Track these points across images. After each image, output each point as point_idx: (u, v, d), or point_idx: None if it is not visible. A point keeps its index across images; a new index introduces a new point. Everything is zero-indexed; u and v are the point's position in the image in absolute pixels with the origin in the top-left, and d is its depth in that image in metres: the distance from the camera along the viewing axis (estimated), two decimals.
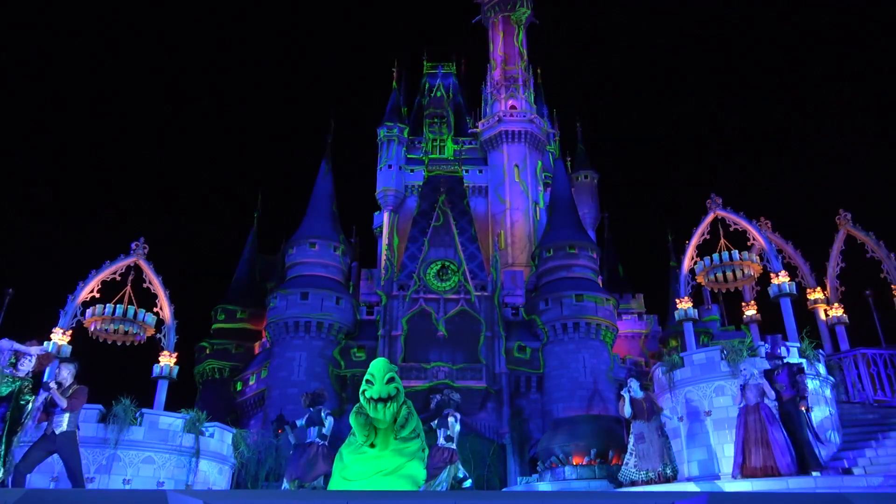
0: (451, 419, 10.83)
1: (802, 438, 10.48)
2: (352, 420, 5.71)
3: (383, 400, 5.46)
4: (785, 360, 11.14)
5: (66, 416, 8.48)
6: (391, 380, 5.56)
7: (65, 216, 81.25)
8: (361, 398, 5.58)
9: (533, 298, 34.99)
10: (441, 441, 10.64)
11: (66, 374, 8.64)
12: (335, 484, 5.80)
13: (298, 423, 11.19)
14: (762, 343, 13.49)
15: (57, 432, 8.40)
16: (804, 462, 10.43)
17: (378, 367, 5.69)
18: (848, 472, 11.02)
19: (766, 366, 12.52)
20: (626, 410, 12.27)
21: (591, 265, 35.90)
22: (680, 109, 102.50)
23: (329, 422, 11.15)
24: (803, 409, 10.67)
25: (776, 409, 11.13)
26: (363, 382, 5.68)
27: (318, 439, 11.03)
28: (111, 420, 13.39)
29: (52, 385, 8.49)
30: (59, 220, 77.75)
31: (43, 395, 8.47)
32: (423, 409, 34.00)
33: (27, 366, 8.33)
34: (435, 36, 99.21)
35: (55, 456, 8.92)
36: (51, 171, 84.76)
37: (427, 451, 6.09)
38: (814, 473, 10.18)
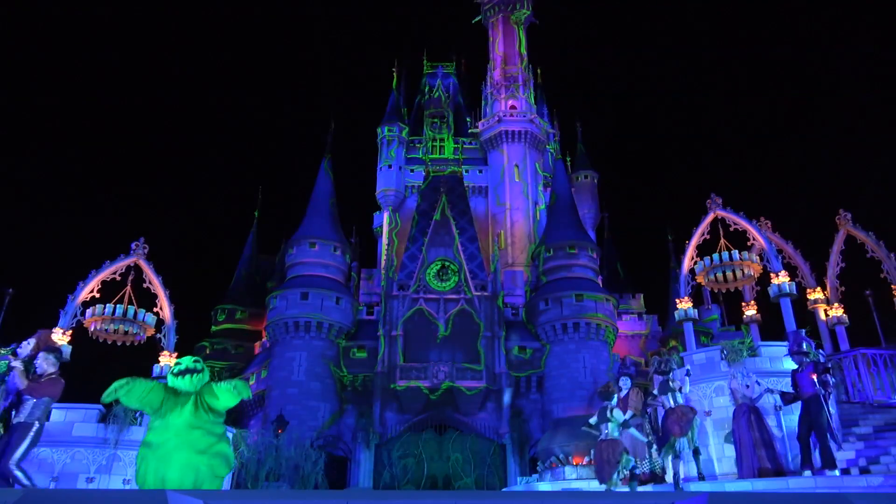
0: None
1: (821, 437, 10.45)
2: (152, 395, 6.21)
3: (190, 371, 6.24)
4: (811, 358, 11.06)
5: (30, 404, 7.73)
6: (196, 362, 6.36)
7: (65, 216, 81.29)
8: (169, 377, 6.29)
9: (533, 298, 35.00)
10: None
11: (45, 363, 7.93)
12: (149, 465, 6.00)
13: (592, 420, 11.20)
14: (761, 343, 13.52)
15: (14, 422, 7.69)
16: (825, 460, 10.38)
17: (186, 358, 6.46)
18: (865, 471, 10.98)
19: (767, 366, 12.55)
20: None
21: (591, 265, 35.90)
22: (680, 109, 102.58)
23: (617, 415, 10.91)
24: (826, 403, 10.66)
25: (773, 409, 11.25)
26: (174, 367, 6.37)
27: (612, 434, 10.79)
28: (111, 420, 13.40)
29: (17, 364, 7.85)
30: (60, 221, 77.77)
31: (13, 375, 7.86)
32: (422, 409, 33.81)
33: (26, 349, 8.15)
34: (435, 36, 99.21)
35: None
36: (51, 171, 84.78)
37: (230, 438, 6.78)
38: (832, 472, 10.14)
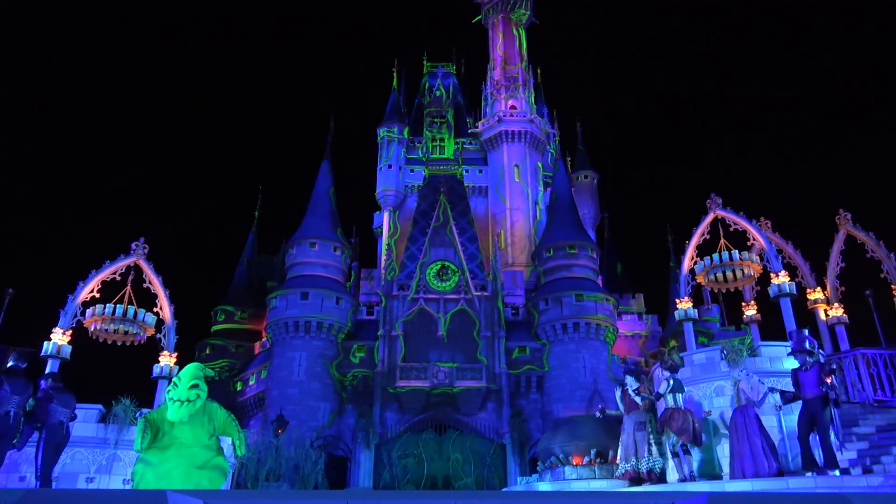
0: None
1: (824, 436, 10.44)
2: (141, 423, 6.34)
3: (181, 401, 6.32)
4: (815, 358, 11.02)
5: None
6: (195, 385, 6.42)
7: (65, 216, 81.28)
8: (166, 397, 6.39)
9: (533, 298, 35.00)
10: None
11: None
12: (148, 482, 6.01)
13: (661, 389, 12.19)
14: (761, 343, 13.52)
15: None
16: (827, 460, 10.36)
17: (185, 373, 6.50)
18: (868, 470, 10.98)
19: (767, 366, 12.55)
20: (620, 405, 12.88)
21: (591, 265, 35.90)
22: (680, 109, 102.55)
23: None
24: (832, 407, 10.65)
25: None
26: (170, 384, 6.44)
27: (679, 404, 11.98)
28: (111, 420, 13.41)
29: None
30: (59, 220, 77.76)
31: None
32: (422, 409, 33.70)
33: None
34: (435, 36, 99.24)
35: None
36: (51, 171, 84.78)
37: (222, 451, 6.79)
38: (833, 472, 10.15)
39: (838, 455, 10.72)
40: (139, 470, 6.14)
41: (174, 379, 6.47)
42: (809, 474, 10.27)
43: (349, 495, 4.42)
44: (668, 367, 12.25)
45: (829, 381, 10.63)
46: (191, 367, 6.56)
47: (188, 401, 6.30)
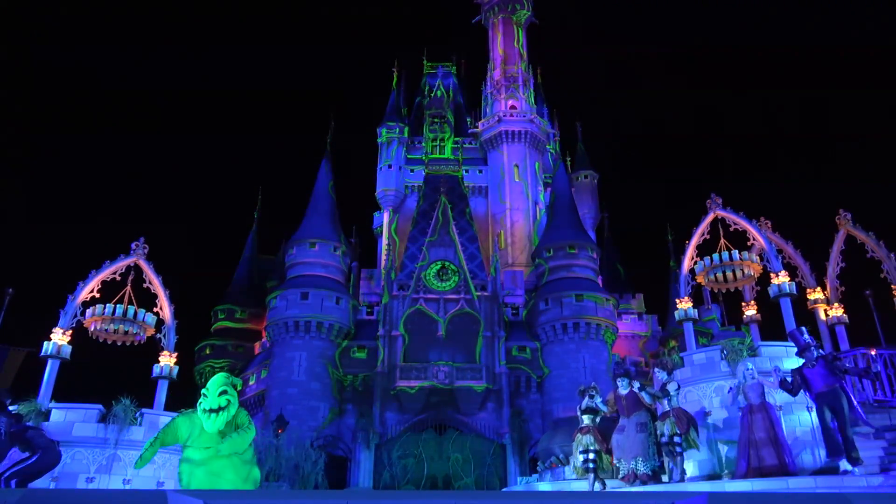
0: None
1: (846, 433, 10.39)
2: (183, 424, 6.34)
3: (214, 410, 6.31)
4: (817, 354, 10.97)
5: None
6: (223, 392, 6.45)
7: (65, 216, 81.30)
8: (199, 410, 6.39)
9: (533, 298, 35.01)
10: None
11: None
12: (200, 481, 6.09)
13: (670, 387, 12.26)
14: (761, 343, 13.53)
15: None
16: (850, 455, 10.29)
17: (213, 382, 6.55)
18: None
19: (767, 365, 12.54)
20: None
21: (591, 265, 35.91)
22: (680, 109, 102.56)
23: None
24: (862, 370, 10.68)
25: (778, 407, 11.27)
26: (201, 395, 6.47)
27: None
28: (111, 420, 13.40)
29: None
30: (59, 220, 77.78)
31: None
32: (422, 409, 33.62)
33: None
34: (435, 36, 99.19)
35: None
36: (51, 171, 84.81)
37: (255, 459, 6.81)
38: (854, 469, 10.12)
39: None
40: (185, 469, 6.16)
41: (202, 391, 6.47)
42: (856, 470, 10.11)
43: (349, 495, 4.43)
44: (669, 369, 12.43)
45: (846, 365, 10.65)
46: (218, 377, 6.61)
47: (220, 408, 6.29)
